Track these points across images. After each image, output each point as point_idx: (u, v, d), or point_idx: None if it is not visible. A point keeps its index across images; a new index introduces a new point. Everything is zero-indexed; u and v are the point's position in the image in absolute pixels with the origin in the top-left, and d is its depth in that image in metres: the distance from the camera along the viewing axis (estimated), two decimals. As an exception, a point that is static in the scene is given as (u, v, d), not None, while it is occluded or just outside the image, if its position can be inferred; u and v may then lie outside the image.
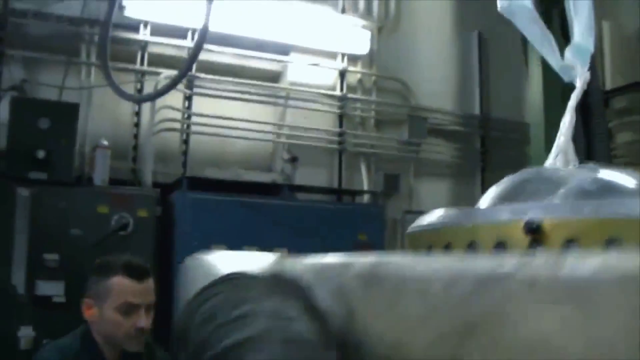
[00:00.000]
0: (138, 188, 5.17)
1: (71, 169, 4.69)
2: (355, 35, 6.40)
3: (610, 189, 1.29)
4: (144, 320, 2.41)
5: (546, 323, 0.72)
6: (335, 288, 0.95)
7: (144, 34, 5.64)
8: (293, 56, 6.20)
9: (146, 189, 5.08)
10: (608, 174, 1.37)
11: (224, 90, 5.89)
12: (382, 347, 0.87)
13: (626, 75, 6.27)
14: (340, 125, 6.33)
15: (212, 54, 5.61)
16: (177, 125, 5.70)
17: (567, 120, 1.80)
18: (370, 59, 6.54)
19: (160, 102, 5.46)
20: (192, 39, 5.67)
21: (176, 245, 4.62)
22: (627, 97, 6.08)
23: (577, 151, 1.85)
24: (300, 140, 6.07)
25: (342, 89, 6.38)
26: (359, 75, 6.50)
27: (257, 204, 4.86)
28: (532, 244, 1.28)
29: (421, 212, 2.21)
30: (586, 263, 0.71)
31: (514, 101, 7.06)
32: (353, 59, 6.46)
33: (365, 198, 6.02)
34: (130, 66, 5.59)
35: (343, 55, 6.41)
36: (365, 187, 6.20)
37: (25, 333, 4.24)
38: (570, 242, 1.23)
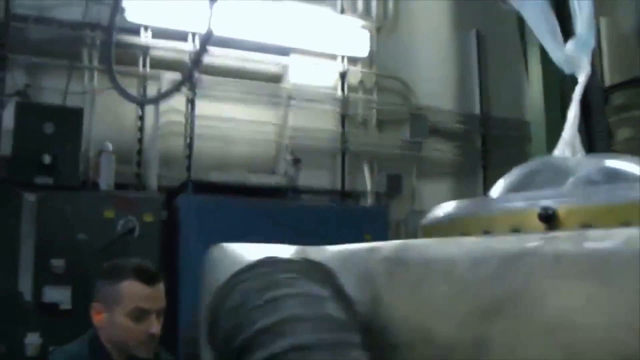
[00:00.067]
0: (143, 192, 5.18)
1: (76, 174, 4.71)
2: (354, 36, 6.45)
3: (618, 176, 1.32)
4: (155, 326, 2.34)
5: (571, 298, 0.74)
6: (360, 273, 0.97)
7: (145, 38, 5.67)
8: (294, 58, 6.23)
9: (152, 193, 5.10)
10: (615, 162, 1.40)
11: (227, 93, 5.91)
12: (408, 329, 0.89)
13: (624, 72, 6.31)
14: (343, 126, 6.36)
15: (214, 56, 5.62)
16: (181, 129, 5.72)
17: (573, 113, 1.83)
18: (370, 60, 6.58)
19: (163, 105, 5.49)
20: (193, 42, 5.71)
21: (181, 249, 4.64)
22: (626, 93, 6.11)
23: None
24: (303, 141, 6.09)
25: (343, 90, 6.41)
26: (359, 76, 6.54)
27: (262, 207, 4.88)
28: (547, 231, 1.30)
29: (425, 212, 2.22)
30: (608, 238, 0.73)
31: (514, 100, 7.10)
32: (353, 59, 6.50)
33: (369, 199, 6.05)
34: (133, 69, 5.61)
35: (343, 56, 6.44)
36: (368, 188, 6.23)
37: (32, 340, 4.23)
38: (584, 228, 1.25)
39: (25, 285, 4.29)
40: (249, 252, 1.13)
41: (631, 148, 5.85)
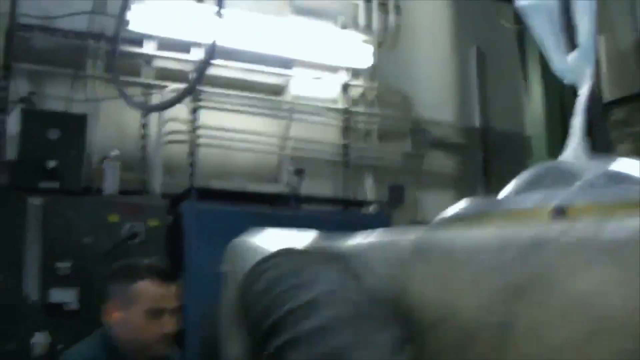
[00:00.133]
0: (148, 197, 5.22)
1: (81, 179, 4.74)
2: (356, 50, 6.51)
3: (626, 178, 1.36)
4: (170, 325, 2.34)
5: (591, 282, 0.78)
6: (384, 261, 1.01)
7: (148, 48, 5.73)
8: (296, 70, 6.29)
9: (156, 199, 5.14)
10: (623, 164, 1.44)
11: (229, 104, 5.97)
12: (432, 313, 0.93)
13: (623, 88, 6.37)
14: (345, 138, 6.42)
15: (217, 67, 5.68)
16: (184, 138, 5.77)
17: (578, 120, 1.88)
18: (371, 73, 6.63)
19: (167, 114, 5.55)
20: (196, 53, 5.78)
21: (185, 254, 4.66)
22: (625, 108, 6.18)
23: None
24: (305, 152, 6.15)
25: (345, 102, 6.47)
26: (361, 89, 6.59)
27: (265, 214, 4.91)
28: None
29: (427, 223, 2.24)
30: (627, 225, 0.78)
31: (514, 114, 7.17)
32: (355, 73, 6.57)
33: (371, 209, 6.09)
34: (137, 79, 5.66)
35: (345, 69, 6.51)
36: (371, 199, 6.27)
37: (39, 340, 4.26)
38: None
39: (31, 286, 4.32)
40: (270, 242, 1.17)
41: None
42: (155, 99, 5.66)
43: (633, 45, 6.40)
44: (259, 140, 6.02)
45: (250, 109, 6.07)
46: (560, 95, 6.15)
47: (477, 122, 7.09)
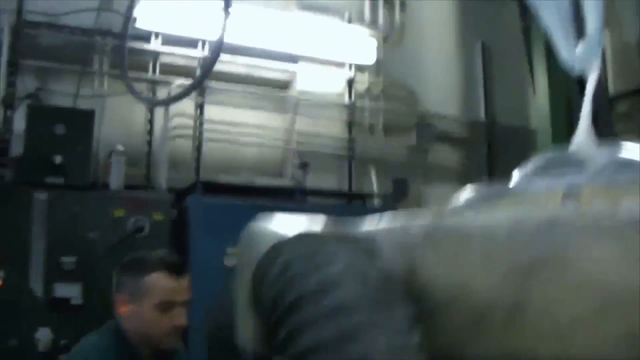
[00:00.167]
0: (153, 192, 5.23)
1: (87, 174, 4.74)
2: (362, 45, 6.51)
3: (638, 162, 1.36)
4: (181, 318, 2.32)
5: (604, 261, 0.79)
6: (397, 243, 1.01)
7: (155, 44, 5.74)
8: (301, 65, 6.30)
9: (161, 193, 5.14)
10: (632, 150, 1.44)
11: (234, 98, 5.98)
12: (445, 293, 0.93)
13: (628, 81, 6.37)
14: (350, 132, 6.42)
15: (223, 63, 5.69)
16: (190, 132, 5.79)
17: (586, 110, 1.87)
18: (377, 68, 6.64)
19: (172, 109, 5.56)
20: (203, 49, 5.79)
21: (190, 248, 4.67)
22: (630, 102, 6.18)
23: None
24: (310, 146, 6.16)
25: (350, 97, 6.47)
26: (366, 84, 6.60)
27: (270, 208, 4.88)
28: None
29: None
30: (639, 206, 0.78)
31: (519, 108, 7.17)
32: (360, 67, 6.57)
33: (375, 203, 6.10)
34: (143, 75, 5.68)
35: (350, 64, 6.51)
36: (375, 192, 6.28)
37: (43, 335, 4.28)
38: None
39: (36, 281, 4.33)
40: (284, 226, 1.17)
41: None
42: (161, 94, 5.69)
43: (637, 40, 6.40)
44: (264, 135, 6.04)
45: (255, 104, 6.07)
46: (565, 90, 6.14)
47: (482, 116, 7.09)
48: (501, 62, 7.19)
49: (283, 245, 1.03)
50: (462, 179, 6.86)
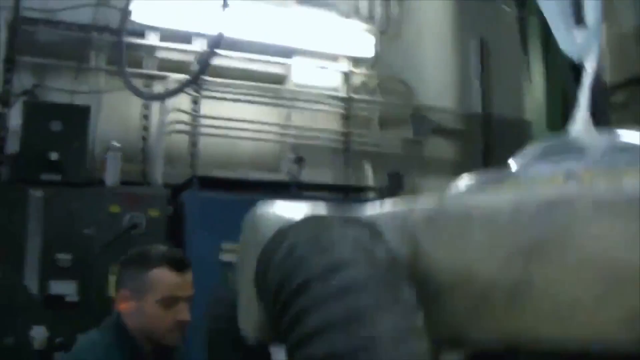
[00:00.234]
0: (149, 188, 5.24)
1: (83, 171, 4.74)
2: (358, 39, 6.51)
3: (637, 147, 1.36)
4: (185, 313, 2.28)
5: (609, 238, 0.78)
6: (400, 227, 1.01)
7: (151, 40, 5.73)
8: (297, 59, 6.29)
9: (157, 189, 5.15)
10: (630, 136, 1.44)
11: (231, 93, 5.98)
12: (448, 275, 0.93)
13: (624, 72, 6.36)
14: (345, 126, 6.42)
15: (219, 58, 5.68)
16: (185, 128, 5.78)
17: (584, 97, 1.87)
18: (373, 62, 6.63)
19: (168, 105, 5.56)
20: (199, 44, 5.78)
21: (187, 243, 4.67)
22: (626, 92, 6.17)
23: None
24: (306, 140, 6.15)
25: (346, 91, 6.47)
26: (362, 78, 6.59)
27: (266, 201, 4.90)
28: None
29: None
30: (642, 185, 0.77)
31: (515, 101, 7.15)
32: (356, 61, 6.56)
33: (371, 196, 6.09)
34: (139, 70, 5.66)
35: (347, 58, 6.50)
36: (370, 186, 6.28)
37: (38, 332, 4.27)
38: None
39: (31, 279, 4.33)
40: (288, 211, 1.17)
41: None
42: (157, 90, 5.68)
43: (634, 30, 6.39)
44: (260, 129, 6.03)
45: (251, 98, 6.07)
46: (561, 82, 6.14)
47: (478, 108, 7.08)
48: (497, 55, 7.18)
49: (288, 229, 1.03)
50: (458, 172, 6.83)
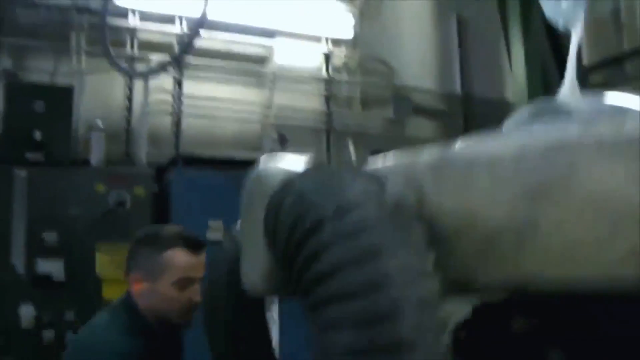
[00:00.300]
0: (134, 167, 5.23)
1: (68, 150, 4.73)
2: (338, 19, 6.53)
3: (625, 109, 1.40)
4: (198, 294, 2.24)
5: (613, 178, 0.82)
6: (404, 176, 1.03)
7: (132, 21, 5.73)
8: (279, 40, 6.30)
9: (142, 168, 5.15)
10: (618, 98, 1.48)
11: (213, 74, 5.98)
12: (453, 222, 0.95)
13: (601, 53, 6.43)
14: (327, 106, 6.45)
15: (201, 39, 5.67)
16: (168, 108, 5.79)
17: (572, 62, 1.91)
18: (353, 42, 6.66)
19: (151, 85, 5.56)
20: (180, 25, 5.78)
21: (173, 222, 4.67)
22: (604, 72, 6.25)
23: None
24: (288, 120, 6.18)
25: (327, 71, 6.50)
26: (343, 58, 6.62)
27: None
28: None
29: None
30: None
31: (495, 80, 7.23)
32: (337, 42, 6.59)
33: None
34: (121, 51, 5.65)
35: (327, 38, 6.53)
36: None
37: (26, 311, 4.28)
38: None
39: (18, 258, 4.33)
40: (293, 164, 1.19)
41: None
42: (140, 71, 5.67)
43: (612, 10, 6.46)
44: (243, 110, 6.04)
45: (233, 79, 6.08)
46: (541, 62, 6.20)
47: (458, 89, 7.14)
48: (477, 35, 7.23)
49: (296, 178, 1.05)
50: (440, 151, 6.92)
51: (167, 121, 5.76)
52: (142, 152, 5.36)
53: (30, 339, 4.26)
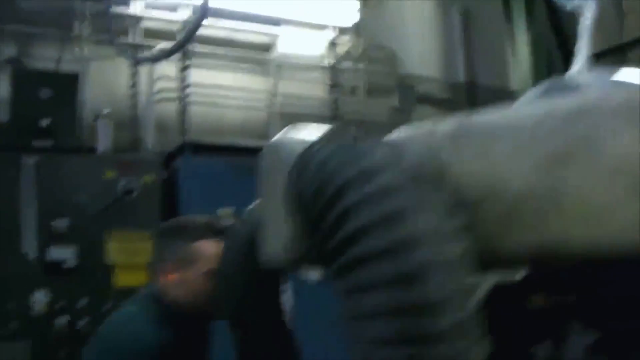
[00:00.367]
0: (142, 154, 5.26)
1: (75, 137, 4.75)
2: (342, 8, 6.53)
3: (635, 85, 1.40)
4: None
5: (633, 142, 0.83)
6: (424, 145, 1.04)
7: (136, 9, 5.74)
8: (283, 28, 6.31)
9: (150, 155, 5.16)
10: (630, 74, 1.49)
11: (218, 62, 5.99)
12: (475, 190, 0.95)
13: (603, 41, 6.43)
14: (332, 94, 6.46)
15: (206, 27, 5.67)
16: (174, 95, 5.78)
17: (584, 41, 1.91)
18: (357, 30, 6.66)
19: (156, 73, 5.56)
20: (184, 12, 5.78)
21: (182, 209, 4.70)
22: (607, 61, 6.25)
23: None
24: (294, 108, 6.19)
25: (332, 59, 6.50)
26: (347, 46, 6.62)
27: (257, 166, 4.93)
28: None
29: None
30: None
31: (499, 69, 7.22)
32: (341, 30, 6.59)
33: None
34: (125, 39, 5.66)
35: (332, 26, 6.53)
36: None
37: (38, 298, 4.31)
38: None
39: (29, 245, 4.35)
40: (312, 133, 1.18)
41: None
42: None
43: (613, 3, 6.46)
44: (248, 97, 6.05)
45: (238, 67, 6.09)
46: (546, 49, 6.20)
47: (462, 77, 7.14)
48: (480, 23, 7.22)
49: (318, 145, 1.05)
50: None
51: (172, 109, 5.77)
52: (150, 139, 5.37)
53: (43, 325, 4.29)
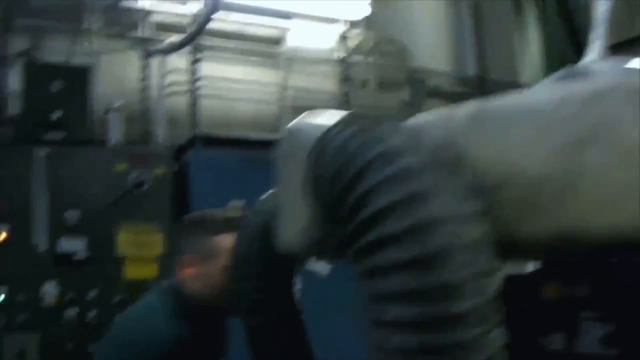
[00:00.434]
0: (153, 146, 5.27)
1: (86, 130, 4.78)
2: (353, 1, 6.52)
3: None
4: None
5: None
6: (442, 129, 1.03)
7: (145, 2, 5.75)
8: (294, 22, 6.31)
9: (161, 147, 5.17)
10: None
11: (229, 55, 6.00)
12: (494, 174, 0.94)
13: (612, 38, 6.39)
14: (343, 87, 6.45)
15: (216, 20, 5.68)
16: (184, 89, 5.78)
17: (600, 30, 1.90)
18: (368, 23, 6.65)
19: (167, 66, 5.58)
20: (193, 6, 5.79)
21: (192, 202, 4.71)
22: (616, 55, 6.22)
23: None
24: (304, 102, 6.18)
25: (342, 52, 6.50)
26: (358, 39, 6.61)
27: (268, 161, 4.93)
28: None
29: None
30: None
31: (510, 62, 7.19)
32: (352, 23, 6.58)
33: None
34: (136, 33, 5.68)
35: (342, 20, 6.52)
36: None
37: (49, 289, 4.34)
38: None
39: (40, 237, 4.37)
40: (329, 118, 1.18)
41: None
42: (154, 52, 5.69)
43: (623, -2, 6.43)
44: (259, 91, 6.05)
45: (248, 60, 6.09)
46: (557, 42, 6.17)
47: (473, 71, 7.12)
48: (491, 16, 7.20)
49: (336, 129, 1.04)
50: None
51: (183, 102, 5.77)
52: (161, 132, 5.38)
53: (53, 316, 4.32)
